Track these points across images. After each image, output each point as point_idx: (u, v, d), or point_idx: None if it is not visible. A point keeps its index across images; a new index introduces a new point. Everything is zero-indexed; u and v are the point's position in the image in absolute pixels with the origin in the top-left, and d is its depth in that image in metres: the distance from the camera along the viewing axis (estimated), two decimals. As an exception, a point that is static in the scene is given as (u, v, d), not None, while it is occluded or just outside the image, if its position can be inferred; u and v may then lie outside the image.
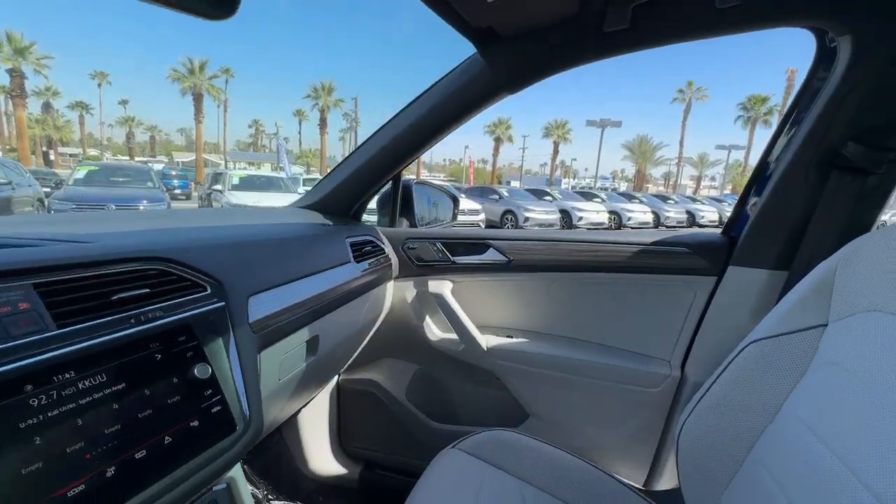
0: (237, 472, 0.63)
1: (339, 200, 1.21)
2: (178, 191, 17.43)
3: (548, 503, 0.78)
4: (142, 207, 7.36)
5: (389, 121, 1.12)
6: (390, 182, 1.26)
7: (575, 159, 75.01)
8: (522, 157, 49.75)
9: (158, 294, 0.55)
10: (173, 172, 20.26)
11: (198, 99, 31.06)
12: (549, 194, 15.27)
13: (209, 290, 0.61)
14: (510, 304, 1.24)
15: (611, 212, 14.85)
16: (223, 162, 41.61)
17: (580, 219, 13.51)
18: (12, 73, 25.73)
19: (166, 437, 0.48)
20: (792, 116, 0.94)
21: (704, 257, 1.04)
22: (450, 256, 1.23)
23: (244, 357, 0.61)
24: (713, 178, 60.27)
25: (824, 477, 0.51)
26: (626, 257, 1.10)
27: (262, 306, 0.69)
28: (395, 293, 1.27)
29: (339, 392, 1.34)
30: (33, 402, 0.40)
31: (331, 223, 1.12)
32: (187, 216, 0.94)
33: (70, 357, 0.43)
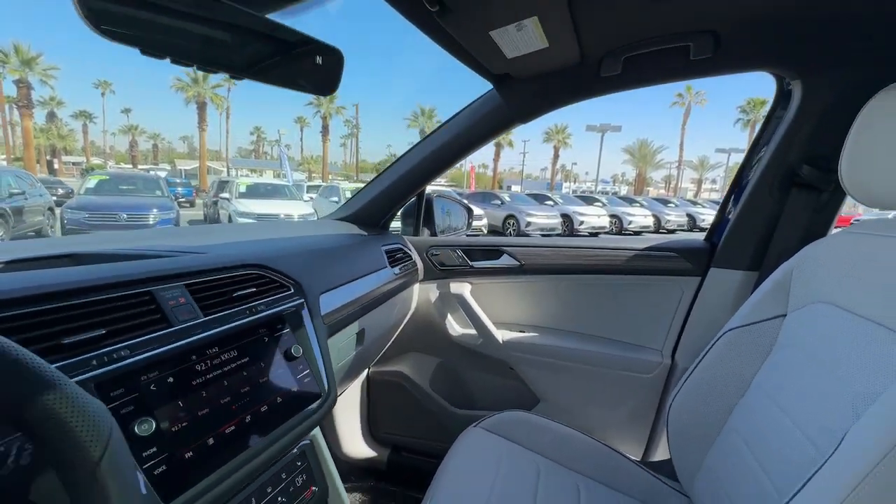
0: (317, 431, 0.79)
1: (370, 213, 1.38)
2: (182, 199, 17.71)
3: (559, 473, 0.91)
4: (152, 216, 7.51)
5: (416, 145, 1.29)
6: (414, 196, 1.43)
7: (575, 163, 75.38)
8: (523, 161, 49.96)
9: (259, 293, 0.72)
10: (177, 180, 20.60)
11: (201, 108, 31.33)
12: (550, 199, 15.33)
13: (292, 290, 0.78)
14: (522, 303, 1.40)
15: (612, 216, 14.92)
16: (225, 169, 41.90)
17: (581, 223, 13.51)
18: (19, 84, 25.98)
19: (278, 398, 0.65)
20: (760, 140, 1.11)
21: (690, 260, 1.20)
22: (468, 261, 1.40)
23: (320, 342, 0.78)
24: (714, 181, 60.35)
25: (781, 436, 0.65)
26: (624, 261, 1.26)
27: (329, 303, 0.85)
28: (420, 294, 1.43)
29: (368, 383, 1.50)
30: (197, 367, 0.57)
31: (365, 233, 1.29)
32: (258, 230, 1.12)
33: (216, 337, 0.60)
